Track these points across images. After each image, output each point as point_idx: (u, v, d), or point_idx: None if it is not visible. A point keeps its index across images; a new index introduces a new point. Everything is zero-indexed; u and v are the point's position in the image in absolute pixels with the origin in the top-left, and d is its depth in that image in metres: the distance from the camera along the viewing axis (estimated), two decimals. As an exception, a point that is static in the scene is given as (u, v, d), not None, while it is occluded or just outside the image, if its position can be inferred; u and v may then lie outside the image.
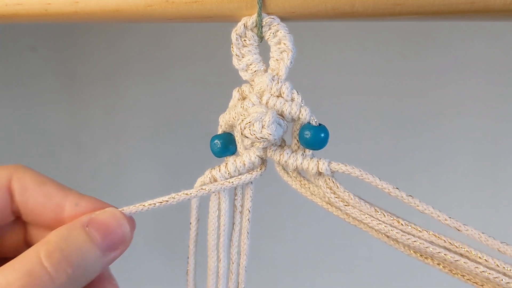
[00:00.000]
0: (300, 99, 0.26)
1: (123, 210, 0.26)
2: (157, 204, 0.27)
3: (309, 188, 0.28)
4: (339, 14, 0.24)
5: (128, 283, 0.72)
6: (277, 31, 0.26)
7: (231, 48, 0.27)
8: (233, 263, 0.30)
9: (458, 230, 0.25)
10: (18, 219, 0.28)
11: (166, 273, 0.76)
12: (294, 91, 0.26)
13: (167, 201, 0.27)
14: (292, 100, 0.26)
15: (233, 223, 0.29)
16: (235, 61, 0.27)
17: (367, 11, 0.24)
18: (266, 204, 0.69)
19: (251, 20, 0.25)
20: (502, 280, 0.23)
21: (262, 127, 0.25)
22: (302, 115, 0.26)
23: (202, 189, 0.27)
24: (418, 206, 0.25)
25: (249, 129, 0.25)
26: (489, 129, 0.64)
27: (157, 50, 0.69)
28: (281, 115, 0.26)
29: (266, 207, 0.70)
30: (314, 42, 0.64)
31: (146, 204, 0.27)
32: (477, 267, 0.24)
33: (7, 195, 0.27)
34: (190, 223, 0.29)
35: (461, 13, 0.24)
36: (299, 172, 0.28)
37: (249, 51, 0.27)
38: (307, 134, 0.26)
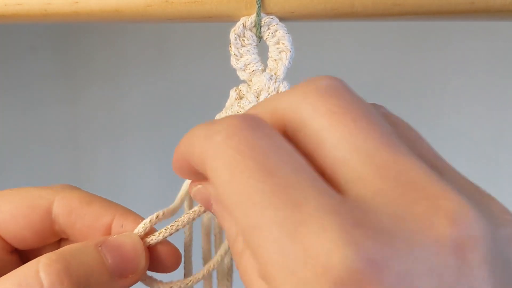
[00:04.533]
0: None
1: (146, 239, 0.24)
2: (167, 232, 0.24)
3: None
4: (339, 14, 0.24)
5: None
6: (276, 31, 0.26)
7: (229, 48, 0.27)
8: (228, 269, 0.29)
9: None
10: (65, 239, 0.26)
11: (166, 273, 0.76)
12: None
13: (172, 225, 0.24)
14: None
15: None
16: (233, 61, 0.27)
17: (366, 11, 0.24)
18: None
19: (249, 20, 0.25)
20: None
21: None
22: None
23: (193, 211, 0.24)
24: None
25: None
26: (489, 128, 0.64)
27: (157, 50, 0.69)
28: None
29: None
30: (311, 40, 0.64)
31: (156, 234, 0.24)
32: None
33: (47, 218, 0.24)
34: (184, 233, 0.28)
35: (461, 13, 0.24)
36: None
37: (247, 51, 0.27)
38: None
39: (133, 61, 0.69)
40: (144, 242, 0.24)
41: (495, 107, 0.64)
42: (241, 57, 0.27)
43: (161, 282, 0.26)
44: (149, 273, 0.25)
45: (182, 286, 0.26)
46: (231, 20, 0.26)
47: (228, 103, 0.27)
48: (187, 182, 0.27)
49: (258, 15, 0.25)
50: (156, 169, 0.73)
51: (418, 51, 0.63)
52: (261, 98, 0.26)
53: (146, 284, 0.26)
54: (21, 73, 0.71)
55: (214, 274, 0.29)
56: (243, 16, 0.26)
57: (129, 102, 0.71)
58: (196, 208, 0.24)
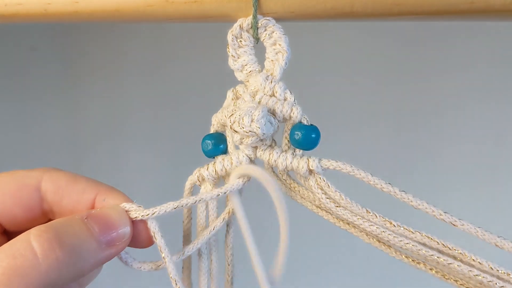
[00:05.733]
0: (293, 99, 0.26)
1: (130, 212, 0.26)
2: (149, 214, 0.26)
3: (299, 191, 0.27)
4: (339, 14, 0.24)
5: (128, 283, 0.72)
6: (273, 32, 0.26)
7: (227, 49, 0.27)
8: (228, 265, 0.29)
9: (454, 225, 0.24)
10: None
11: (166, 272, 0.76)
12: (287, 91, 0.26)
13: (158, 212, 0.26)
14: (285, 99, 0.26)
15: (227, 225, 0.29)
16: (230, 62, 0.27)
17: (366, 11, 0.24)
18: (265, 205, 0.68)
19: (246, 21, 0.26)
20: (496, 284, 0.23)
21: (252, 121, 0.25)
22: (293, 113, 0.26)
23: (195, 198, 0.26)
24: (411, 201, 0.24)
25: (238, 123, 0.25)
26: (490, 126, 0.64)
27: (157, 49, 0.69)
28: (273, 114, 0.26)
29: (264, 208, 0.70)
30: (310, 35, 0.64)
31: (139, 215, 0.26)
32: (470, 270, 0.23)
33: (36, 195, 0.26)
34: (183, 222, 0.29)
35: (460, 13, 0.24)
36: (289, 175, 0.27)
37: (244, 51, 0.27)
38: (298, 133, 0.26)
39: (133, 60, 0.69)
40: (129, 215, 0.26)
41: (495, 107, 0.64)
42: (238, 58, 0.27)
43: (134, 259, 0.27)
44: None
45: (154, 267, 0.28)
46: (231, 20, 0.26)
47: (225, 104, 0.27)
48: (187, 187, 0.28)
49: (255, 17, 0.25)
50: (156, 168, 0.73)
51: (418, 46, 0.63)
52: (257, 98, 0.26)
53: (120, 258, 0.27)
54: (21, 73, 0.71)
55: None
56: (243, 16, 0.26)
57: (129, 102, 0.71)
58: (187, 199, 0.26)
